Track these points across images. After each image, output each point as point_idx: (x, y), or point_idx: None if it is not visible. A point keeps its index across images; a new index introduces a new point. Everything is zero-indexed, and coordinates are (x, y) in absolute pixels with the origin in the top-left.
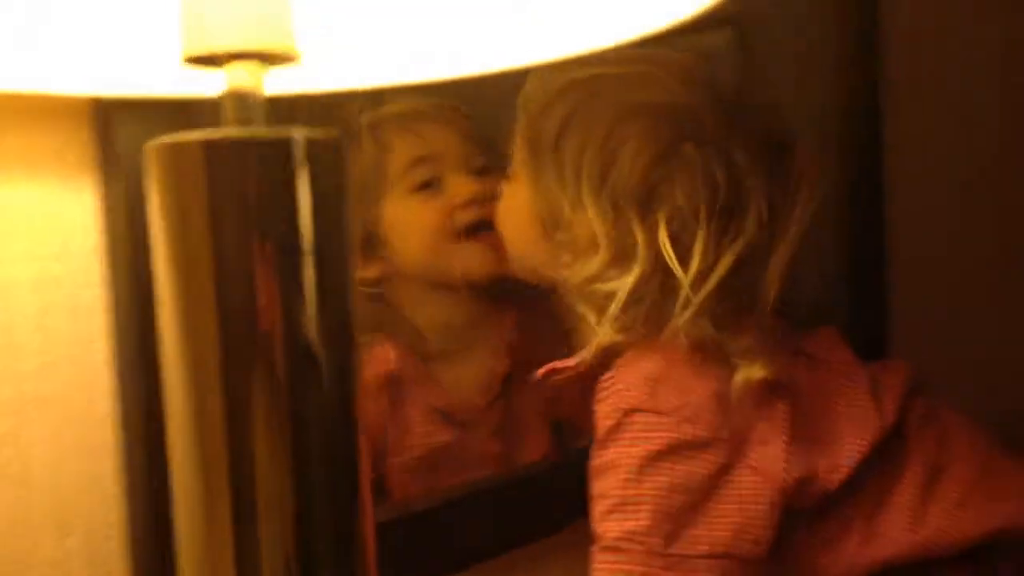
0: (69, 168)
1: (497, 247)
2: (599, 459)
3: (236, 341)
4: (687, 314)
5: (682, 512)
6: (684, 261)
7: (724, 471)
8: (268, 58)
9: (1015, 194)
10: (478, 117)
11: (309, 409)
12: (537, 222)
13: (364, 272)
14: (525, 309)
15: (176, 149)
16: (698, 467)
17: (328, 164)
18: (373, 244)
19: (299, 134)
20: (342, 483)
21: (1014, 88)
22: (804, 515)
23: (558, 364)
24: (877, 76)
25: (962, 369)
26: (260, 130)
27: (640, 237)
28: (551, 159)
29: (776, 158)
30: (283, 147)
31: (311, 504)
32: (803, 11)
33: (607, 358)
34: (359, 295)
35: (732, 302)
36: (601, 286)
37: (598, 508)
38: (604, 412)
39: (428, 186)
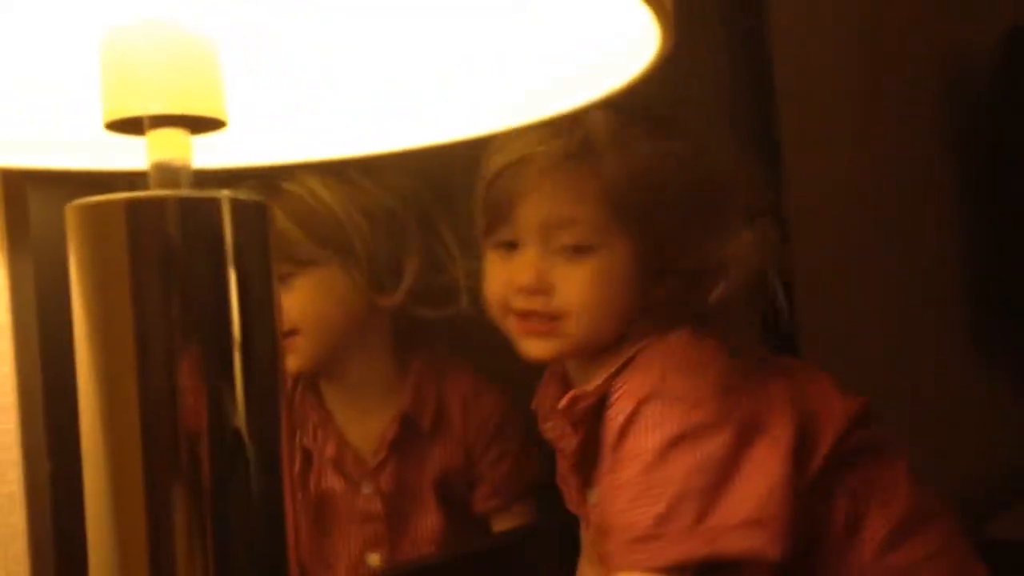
0: None
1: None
2: (619, 452)
3: (156, 399)
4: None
5: (707, 491)
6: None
7: (739, 448)
8: (194, 123)
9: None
10: None
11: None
12: (636, 279)
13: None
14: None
15: (98, 209)
16: (714, 448)
17: (253, 226)
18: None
19: (224, 195)
20: None
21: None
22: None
23: (578, 392)
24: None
25: None
26: (184, 191)
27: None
28: (662, 211)
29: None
30: (208, 207)
31: None
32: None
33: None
34: (283, 385)
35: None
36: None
37: (620, 499)
38: (619, 408)
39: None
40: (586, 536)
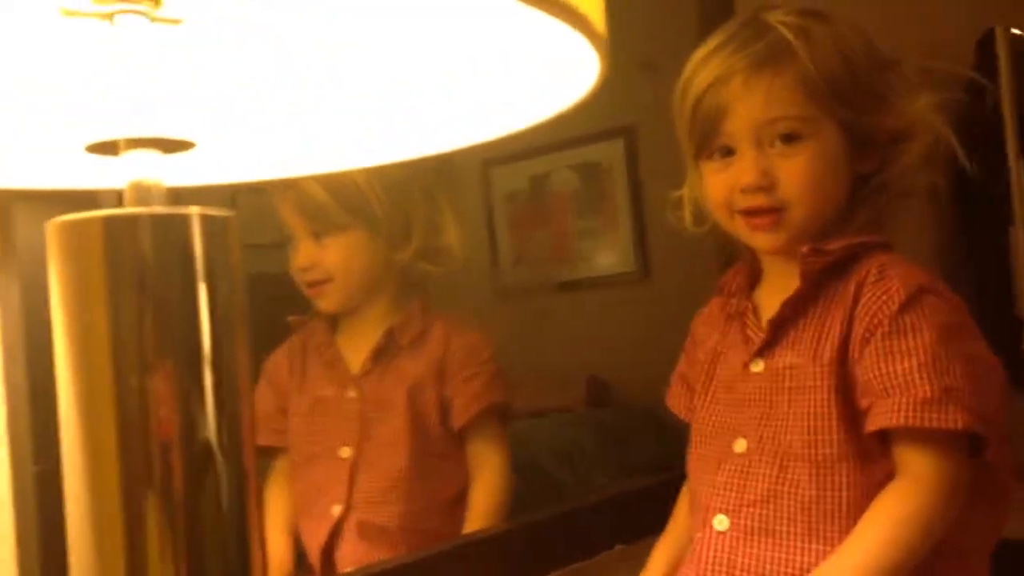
0: None
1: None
2: (897, 323)
3: (131, 410)
4: None
5: (979, 379)
6: None
7: (990, 355)
8: (166, 145)
9: None
10: None
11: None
12: (846, 157)
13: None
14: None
15: (77, 225)
16: (980, 348)
17: (222, 240)
18: None
19: (195, 212)
20: None
21: None
22: None
23: (821, 246)
24: None
25: None
26: (156, 208)
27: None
28: (859, 86)
29: None
30: (179, 223)
31: None
32: None
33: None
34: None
35: None
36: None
37: (904, 363)
38: (888, 288)
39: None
40: (715, 421)
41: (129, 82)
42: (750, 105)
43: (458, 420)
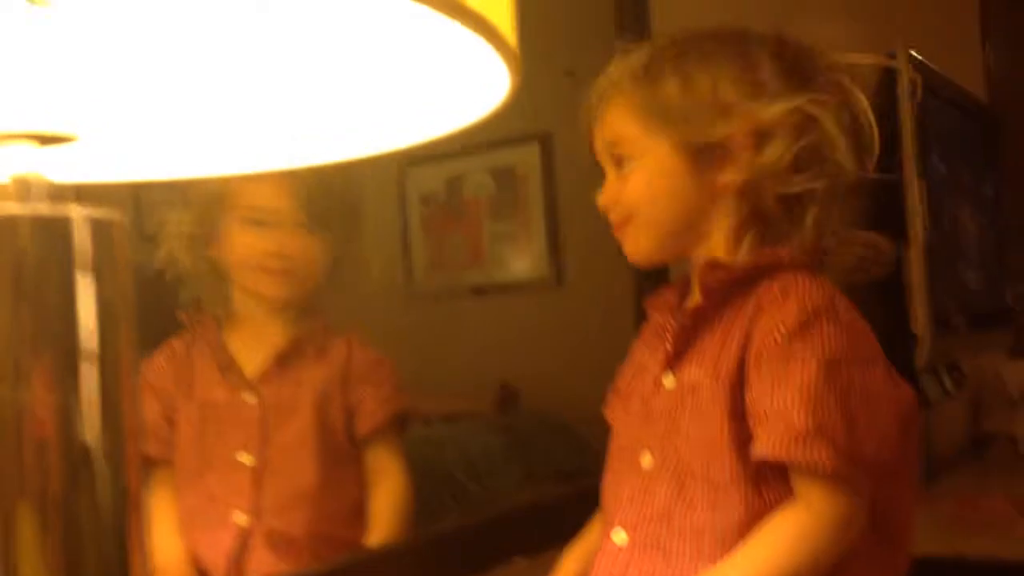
0: None
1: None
2: (787, 349)
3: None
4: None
5: (858, 418)
6: None
7: (887, 386)
8: (44, 138)
9: None
10: None
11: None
12: (689, 166)
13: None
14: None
15: None
16: (872, 379)
17: (108, 245)
18: None
19: (78, 213)
20: None
21: None
22: None
23: (720, 260)
24: None
25: None
26: (40, 207)
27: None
28: (689, 101)
29: None
30: (61, 225)
31: None
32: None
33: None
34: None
35: None
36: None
37: (787, 393)
38: (788, 310)
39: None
40: (628, 435)
41: (5, 73)
42: (599, 129)
43: (364, 426)
